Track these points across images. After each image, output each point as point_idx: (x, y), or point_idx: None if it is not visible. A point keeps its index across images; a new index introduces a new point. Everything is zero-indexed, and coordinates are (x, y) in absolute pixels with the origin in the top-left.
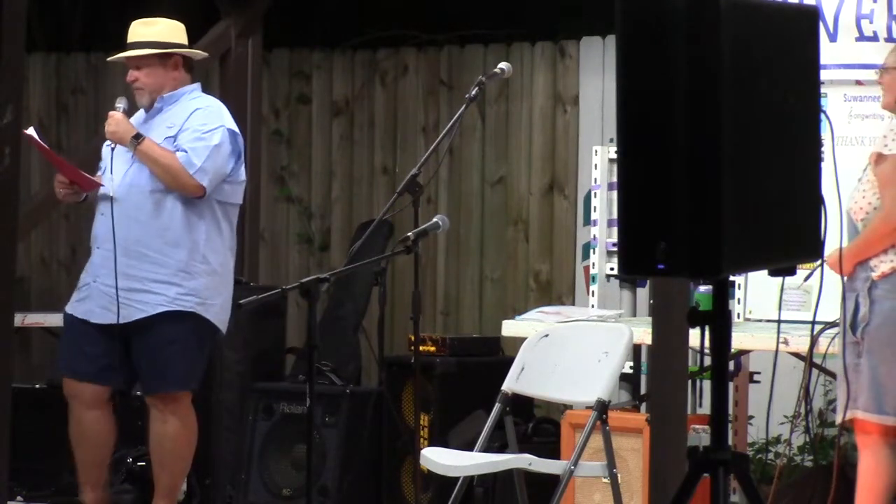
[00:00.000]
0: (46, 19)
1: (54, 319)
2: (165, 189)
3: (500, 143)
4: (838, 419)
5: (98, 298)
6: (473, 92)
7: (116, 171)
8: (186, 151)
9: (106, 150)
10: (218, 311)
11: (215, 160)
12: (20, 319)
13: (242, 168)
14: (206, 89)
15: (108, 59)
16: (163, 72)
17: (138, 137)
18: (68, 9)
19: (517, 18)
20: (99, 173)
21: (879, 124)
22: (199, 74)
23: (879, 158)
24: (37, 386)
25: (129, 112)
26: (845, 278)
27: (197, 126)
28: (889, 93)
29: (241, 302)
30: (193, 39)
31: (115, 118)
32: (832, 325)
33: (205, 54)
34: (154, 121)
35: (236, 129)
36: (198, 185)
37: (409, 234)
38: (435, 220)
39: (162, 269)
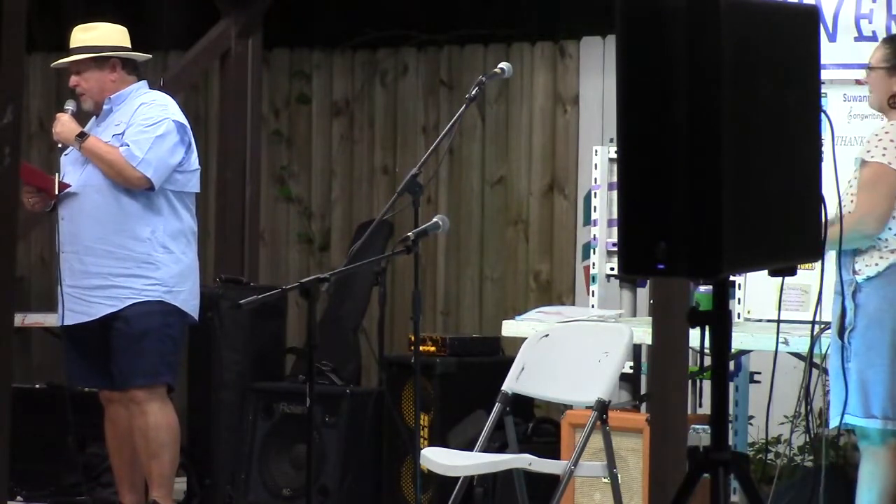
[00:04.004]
0: (46, 19)
1: (54, 319)
2: (118, 184)
3: (500, 143)
4: (832, 423)
5: (67, 301)
6: (473, 92)
7: (72, 174)
8: (129, 145)
9: (61, 157)
10: (186, 298)
11: (158, 151)
12: (20, 319)
13: (194, 156)
14: (206, 89)
15: (52, 65)
16: (100, 75)
17: (83, 136)
18: (68, 9)
19: (517, 18)
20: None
21: (878, 124)
22: (199, 74)
23: (863, 164)
24: (37, 386)
25: (87, 116)
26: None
27: (141, 121)
28: (875, 92)
29: (241, 302)
30: (193, 39)
31: (61, 119)
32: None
33: (148, 56)
34: (105, 122)
35: (183, 119)
36: (141, 176)
37: (409, 234)
38: (435, 220)
39: (125, 262)
